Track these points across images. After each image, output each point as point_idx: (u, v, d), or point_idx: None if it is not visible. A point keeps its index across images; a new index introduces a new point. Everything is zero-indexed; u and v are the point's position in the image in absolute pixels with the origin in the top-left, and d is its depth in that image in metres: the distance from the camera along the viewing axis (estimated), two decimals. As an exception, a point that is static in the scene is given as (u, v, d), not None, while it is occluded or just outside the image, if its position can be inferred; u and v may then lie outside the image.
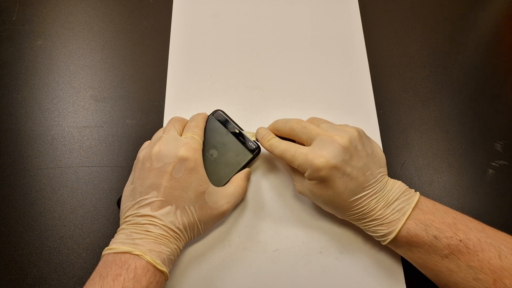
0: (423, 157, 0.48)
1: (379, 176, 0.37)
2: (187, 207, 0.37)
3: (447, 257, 0.34)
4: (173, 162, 0.37)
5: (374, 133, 0.48)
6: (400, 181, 0.38)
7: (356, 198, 0.36)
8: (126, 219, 0.37)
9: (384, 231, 0.36)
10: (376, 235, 0.37)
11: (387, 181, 0.38)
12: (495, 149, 0.48)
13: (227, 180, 0.42)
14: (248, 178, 0.44)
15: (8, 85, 0.50)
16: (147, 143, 0.42)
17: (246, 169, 0.44)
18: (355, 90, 0.51)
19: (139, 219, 0.36)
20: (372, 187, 0.36)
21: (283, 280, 0.40)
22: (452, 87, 0.52)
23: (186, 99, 0.50)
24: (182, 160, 0.37)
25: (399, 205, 0.36)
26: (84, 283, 0.33)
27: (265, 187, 0.45)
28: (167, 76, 0.51)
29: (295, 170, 0.41)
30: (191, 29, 0.55)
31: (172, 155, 0.37)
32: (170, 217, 0.36)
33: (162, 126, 0.48)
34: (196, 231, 0.38)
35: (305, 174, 0.37)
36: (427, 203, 0.37)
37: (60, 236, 0.43)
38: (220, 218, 0.40)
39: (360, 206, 0.36)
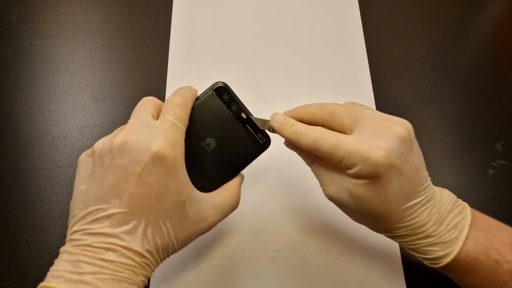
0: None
1: (428, 180, 0.30)
2: (161, 222, 0.27)
3: (506, 284, 0.29)
4: (144, 161, 0.27)
5: (374, 133, 0.48)
6: (446, 189, 0.31)
7: (410, 206, 0.29)
8: (73, 236, 0.27)
9: (439, 253, 0.29)
10: (427, 256, 0.30)
11: (433, 188, 0.31)
12: (495, 149, 0.48)
13: (225, 180, 0.34)
14: (240, 186, 0.34)
15: (8, 85, 0.50)
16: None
17: (241, 176, 0.35)
18: (355, 90, 0.51)
19: (92, 239, 0.26)
20: (425, 193, 0.29)
21: (283, 281, 0.40)
22: (452, 87, 0.52)
23: (186, 99, 0.50)
24: (157, 159, 0.27)
25: (453, 220, 0.30)
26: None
27: (265, 185, 0.45)
28: (167, 76, 0.51)
29: (326, 167, 0.32)
30: (191, 29, 0.55)
31: (142, 150, 0.27)
32: (137, 237, 0.26)
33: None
34: (170, 251, 0.29)
35: (351, 171, 0.28)
36: (479, 217, 0.31)
37: (60, 236, 0.43)
38: (202, 233, 0.31)
39: (412, 217, 0.29)
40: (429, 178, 0.30)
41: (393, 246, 0.42)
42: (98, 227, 0.26)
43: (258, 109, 0.49)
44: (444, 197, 0.30)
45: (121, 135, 0.27)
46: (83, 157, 0.30)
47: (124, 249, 0.26)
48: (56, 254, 0.41)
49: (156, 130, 0.28)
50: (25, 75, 0.51)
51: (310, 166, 0.33)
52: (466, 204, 0.31)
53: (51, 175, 0.45)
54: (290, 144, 0.33)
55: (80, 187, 0.28)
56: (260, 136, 0.34)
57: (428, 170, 0.46)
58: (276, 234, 0.42)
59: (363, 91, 0.51)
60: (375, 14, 0.57)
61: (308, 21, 0.56)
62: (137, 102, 0.49)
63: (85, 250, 0.26)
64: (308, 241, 0.42)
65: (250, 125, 0.34)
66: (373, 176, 0.28)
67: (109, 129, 0.48)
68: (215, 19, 0.55)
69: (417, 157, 0.30)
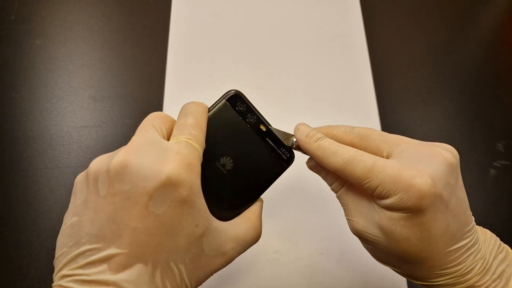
0: (424, 157, 0.47)
1: (473, 220, 0.26)
2: (172, 264, 0.22)
3: None
4: (151, 187, 0.21)
5: (375, 133, 0.48)
6: (488, 230, 0.27)
7: (455, 249, 0.24)
8: (62, 283, 0.21)
9: None
10: None
11: (476, 228, 0.26)
12: (497, 149, 0.48)
13: (246, 206, 0.28)
14: (261, 213, 0.29)
15: (7, 85, 0.50)
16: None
17: (261, 203, 0.29)
18: (356, 90, 0.51)
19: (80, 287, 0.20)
20: (471, 234, 0.25)
21: (284, 282, 0.40)
22: (454, 87, 0.52)
23: (185, 99, 0.49)
24: (170, 185, 0.22)
25: (498, 268, 0.25)
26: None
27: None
28: (166, 76, 0.51)
29: (356, 195, 0.27)
30: (190, 28, 0.54)
31: (149, 174, 0.21)
32: (143, 285, 0.21)
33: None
34: None
35: (387, 201, 0.24)
36: None
37: (59, 237, 0.42)
38: (219, 269, 0.26)
39: (456, 262, 0.24)
40: (473, 217, 0.26)
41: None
42: (92, 273, 0.20)
43: (259, 109, 0.49)
44: (488, 239, 0.26)
45: (120, 154, 0.22)
46: (80, 178, 0.24)
47: None
48: (53, 255, 0.41)
49: (168, 150, 0.23)
50: (23, 74, 0.51)
51: (336, 192, 0.28)
52: (508, 247, 0.27)
53: (49, 175, 0.45)
54: (316, 165, 0.29)
55: (71, 219, 0.22)
56: (283, 150, 0.29)
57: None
58: (277, 235, 0.42)
59: (365, 91, 0.51)
60: (376, 14, 0.56)
61: (309, 20, 0.55)
62: (136, 101, 0.50)
63: None
64: (308, 242, 0.42)
65: (271, 139, 0.29)
66: (415, 209, 0.23)
67: (107, 129, 0.48)
68: (214, 18, 0.55)
69: (463, 190, 0.25)
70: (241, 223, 0.26)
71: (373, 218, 0.25)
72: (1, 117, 0.48)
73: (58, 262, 0.22)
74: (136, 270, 0.21)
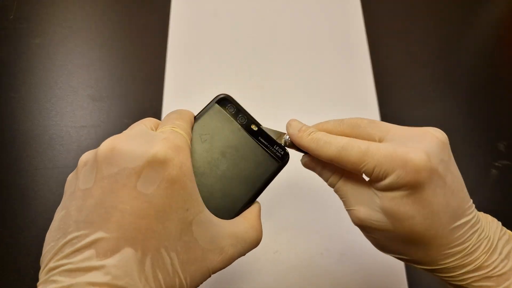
0: (425, 157, 0.47)
1: (471, 200, 0.26)
2: (163, 251, 0.21)
3: None
4: (139, 166, 0.21)
5: (375, 132, 0.48)
6: (486, 213, 0.28)
7: (458, 226, 0.24)
8: (48, 277, 0.20)
9: None
10: None
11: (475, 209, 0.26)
12: (498, 149, 0.48)
13: (244, 204, 0.28)
14: (260, 216, 0.28)
15: (6, 84, 0.50)
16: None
17: (258, 205, 0.28)
18: (357, 89, 0.51)
19: (70, 280, 0.19)
20: (472, 212, 0.25)
21: (284, 282, 0.40)
22: (455, 87, 0.52)
23: (184, 98, 0.49)
24: (158, 162, 0.21)
25: (504, 248, 0.25)
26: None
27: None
28: (165, 75, 0.51)
29: (354, 183, 0.27)
30: (189, 28, 0.54)
31: (137, 155, 0.21)
32: (132, 271, 0.19)
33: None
34: None
35: (385, 182, 0.24)
36: None
37: (58, 237, 0.42)
38: (217, 268, 0.24)
39: (461, 240, 0.24)
40: (470, 198, 0.26)
41: (395, 247, 0.42)
42: (78, 260, 0.19)
43: (258, 108, 0.49)
44: (490, 221, 0.26)
45: (108, 140, 0.22)
46: (70, 176, 0.23)
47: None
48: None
49: (154, 136, 0.23)
50: (22, 74, 0.51)
51: (334, 186, 0.28)
52: (510, 232, 0.27)
53: (48, 175, 0.45)
54: (311, 161, 0.29)
55: (60, 213, 0.21)
56: (277, 148, 0.29)
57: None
58: (277, 235, 0.42)
59: (366, 91, 0.50)
60: (377, 13, 0.56)
61: (309, 20, 0.55)
62: (136, 101, 0.49)
63: None
64: (309, 243, 0.42)
65: (263, 138, 0.29)
66: (414, 184, 0.23)
67: (107, 129, 0.48)
68: (214, 17, 0.55)
69: (457, 169, 0.26)
70: (239, 222, 0.26)
71: (375, 203, 0.25)
72: (0, 117, 0.48)
73: (44, 258, 0.21)
74: (125, 255, 0.19)
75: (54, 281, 0.19)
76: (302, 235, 0.42)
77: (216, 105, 0.29)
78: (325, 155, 0.25)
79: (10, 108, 0.49)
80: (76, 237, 0.20)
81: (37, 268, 0.41)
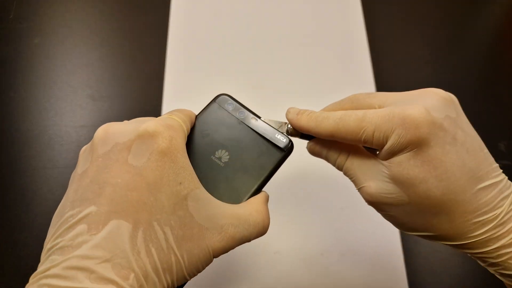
0: (425, 157, 0.47)
1: (496, 164, 0.23)
2: (155, 224, 0.20)
3: None
4: (130, 140, 0.21)
5: (375, 132, 0.48)
6: None
7: (483, 188, 0.22)
8: (46, 256, 0.19)
9: None
10: None
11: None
12: (498, 149, 0.47)
13: (250, 195, 0.27)
14: (267, 204, 0.27)
15: (5, 84, 0.50)
16: None
17: (265, 194, 0.28)
18: (357, 89, 0.50)
19: (60, 258, 0.18)
20: (499, 176, 0.22)
21: (284, 283, 0.40)
22: (455, 86, 0.51)
23: (184, 98, 0.49)
24: (147, 136, 0.21)
25: None
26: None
27: (266, 187, 0.44)
28: (165, 75, 0.51)
29: (361, 159, 0.25)
30: (189, 27, 0.54)
31: (128, 131, 0.22)
32: (123, 245, 0.19)
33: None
34: (175, 271, 0.20)
35: (387, 146, 0.22)
36: None
37: (57, 238, 0.42)
38: (219, 250, 0.22)
39: (489, 206, 0.22)
40: (497, 164, 0.23)
41: (395, 248, 0.41)
42: (70, 237, 0.19)
43: (258, 108, 0.49)
44: None
45: (102, 126, 0.22)
46: (73, 173, 0.24)
47: (102, 265, 0.18)
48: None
49: (148, 118, 0.23)
50: (22, 74, 0.51)
51: (342, 168, 0.27)
52: None
53: (48, 175, 0.45)
54: (315, 144, 0.28)
55: (61, 202, 0.22)
56: (279, 137, 0.28)
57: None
58: (277, 236, 0.42)
59: (366, 90, 0.50)
60: (377, 12, 0.56)
61: (309, 19, 0.55)
62: (135, 101, 0.49)
63: (49, 276, 0.18)
64: (309, 243, 0.42)
65: (264, 129, 0.29)
66: (417, 141, 0.21)
67: (107, 129, 0.48)
68: (214, 17, 0.55)
69: (471, 128, 0.24)
70: (242, 205, 0.24)
71: (383, 174, 0.23)
72: (-1, 116, 0.48)
73: (45, 243, 0.20)
74: (115, 226, 0.19)
75: (50, 261, 0.19)
76: (302, 235, 0.42)
77: (215, 103, 0.29)
78: (324, 130, 0.24)
79: (10, 108, 0.49)
80: (71, 215, 0.20)
81: (36, 269, 0.41)
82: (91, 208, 0.19)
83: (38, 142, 0.47)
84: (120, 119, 0.48)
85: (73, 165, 0.45)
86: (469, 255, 0.23)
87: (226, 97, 0.30)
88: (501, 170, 0.23)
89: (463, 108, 0.51)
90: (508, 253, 0.21)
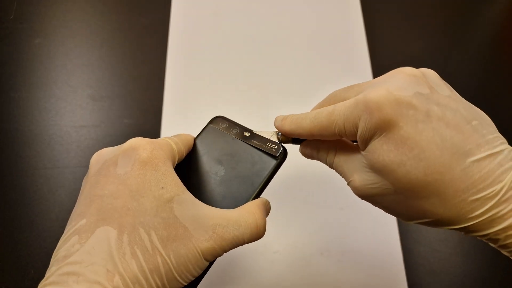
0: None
1: (496, 134, 0.22)
2: (140, 229, 0.20)
3: None
4: (115, 156, 0.23)
5: (375, 132, 0.48)
6: None
7: (475, 162, 0.20)
8: (49, 268, 0.21)
9: None
10: None
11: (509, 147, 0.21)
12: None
13: (247, 201, 0.28)
14: (265, 209, 0.27)
15: (6, 84, 0.50)
16: None
17: (262, 199, 0.28)
18: (356, 89, 0.51)
19: (54, 267, 0.20)
20: (496, 147, 0.20)
21: (284, 283, 0.40)
22: (454, 87, 0.51)
23: (184, 98, 0.49)
24: (129, 149, 0.23)
25: None
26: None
27: (267, 191, 0.45)
28: (165, 75, 0.51)
29: (346, 155, 0.26)
30: (190, 27, 0.54)
31: (115, 149, 0.24)
32: (106, 249, 0.20)
33: (160, 126, 0.48)
34: (164, 273, 0.20)
35: (359, 132, 0.22)
36: None
37: (58, 237, 0.41)
38: (209, 251, 0.22)
39: (488, 181, 0.20)
40: (500, 137, 0.22)
41: (395, 247, 0.41)
42: (65, 248, 0.20)
43: (258, 108, 0.49)
44: None
45: (96, 152, 0.25)
46: None
47: (89, 267, 0.19)
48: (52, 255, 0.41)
49: (136, 138, 0.24)
50: (22, 74, 0.51)
51: (332, 165, 0.27)
52: None
53: (48, 175, 0.45)
54: (305, 148, 0.29)
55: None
56: (271, 145, 0.30)
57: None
58: (277, 236, 0.42)
59: (364, 90, 0.50)
60: (376, 13, 0.56)
61: (309, 21, 0.55)
62: (135, 101, 0.49)
63: (49, 285, 0.19)
64: (309, 243, 0.42)
65: (256, 140, 0.30)
66: (383, 124, 0.21)
67: (106, 129, 0.48)
68: (214, 17, 0.55)
69: (455, 101, 0.22)
70: (233, 209, 0.25)
71: (363, 164, 0.23)
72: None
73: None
74: (102, 234, 0.20)
75: (50, 271, 0.20)
76: (302, 235, 0.42)
77: (210, 125, 0.31)
78: (304, 130, 0.25)
79: (10, 108, 0.49)
80: (68, 229, 0.21)
81: (37, 268, 0.41)
82: (83, 221, 0.21)
83: (38, 142, 0.47)
84: (120, 119, 0.48)
85: (73, 165, 0.45)
86: (478, 238, 0.21)
87: (220, 118, 0.32)
88: (502, 140, 0.21)
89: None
90: (509, 232, 0.19)
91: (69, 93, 0.50)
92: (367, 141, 0.22)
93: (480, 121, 0.22)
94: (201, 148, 0.30)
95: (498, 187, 0.19)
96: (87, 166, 0.45)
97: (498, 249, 0.21)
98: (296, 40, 0.53)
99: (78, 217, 0.21)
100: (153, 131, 0.47)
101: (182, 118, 0.48)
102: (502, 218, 0.19)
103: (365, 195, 0.24)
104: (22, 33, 0.53)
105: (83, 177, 0.45)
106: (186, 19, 0.55)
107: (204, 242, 0.22)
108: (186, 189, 0.23)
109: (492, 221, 0.20)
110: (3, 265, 0.41)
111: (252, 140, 0.30)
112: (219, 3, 0.56)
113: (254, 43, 0.53)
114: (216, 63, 0.52)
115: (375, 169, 0.22)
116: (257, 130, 0.31)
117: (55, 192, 0.44)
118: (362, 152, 0.23)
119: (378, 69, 0.52)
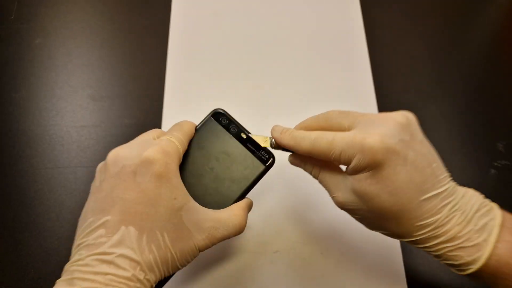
0: (424, 157, 0.47)
1: (446, 174, 0.28)
2: (156, 231, 0.26)
3: None
4: (134, 165, 0.27)
5: (375, 133, 0.48)
6: (471, 188, 0.28)
7: (426, 199, 0.26)
8: (75, 251, 0.26)
9: (466, 258, 0.26)
10: (454, 263, 0.27)
11: (455, 186, 0.28)
12: (497, 149, 0.48)
13: (234, 201, 0.33)
14: (248, 210, 0.33)
15: (6, 84, 0.50)
16: None
17: (247, 200, 0.33)
18: (356, 89, 0.51)
19: (86, 253, 0.25)
20: (443, 186, 0.27)
21: (284, 282, 0.40)
22: (454, 87, 0.52)
23: (185, 98, 0.50)
24: (148, 162, 0.27)
25: (480, 221, 0.26)
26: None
27: (265, 186, 0.45)
28: (166, 75, 0.51)
29: (331, 172, 0.31)
30: (190, 27, 0.54)
31: (133, 156, 0.27)
32: (132, 244, 0.25)
33: (160, 126, 0.48)
34: (170, 264, 0.27)
35: (351, 166, 0.27)
36: (509, 218, 0.27)
37: (58, 237, 0.42)
38: (203, 246, 0.29)
39: (431, 213, 0.26)
40: (447, 174, 0.28)
41: (395, 247, 0.42)
42: (91, 238, 0.26)
43: (258, 108, 0.49)
44: (469, 195, 0.27)
45: (114, 150, 0.29)
46: (92, 183, 0.30)
47: (118, 258, 0.25)
48: (54, 255, 0.41)
49: (150, 143, 0.29)
50: (23, 74, 0.51)
51: (317, 178, 0.32)
52: (495, 205, 0.28)
53: (49, 175, 0.45)
54: (294, 158, 0.33)
55: (84, 208, 0.29)
56: (262, 153, 0.33)
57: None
58: (277, 235, 0.42)
59: (365, 91, 0.50)
60: (376, 13, 0.56)
61: (309, 21, 0.55)
62: (136, 101, 0.50)
63: (79, 265, 0.25)
64: (309, 243, 0.42)
65: (251, 144, 0.34)
66: (373, 164, 0.26)
67: (107, 129, 0.48)
68: (214, 17, 0.55)
69: (425, 146, 0.28)
70: (224, 211, 0.31)
71: (348, 186, 0.29)
72: (0, 116, 0.48)
73: (74, 240, 0.27)
74: (126, 232, 0.26)
75: (75, 255, 0.26)
76: (302, 235, 0.42)
77: (212, 118, 0.34)
78: (302, 149, 0.29)
79: (10, 108, 0.49)
80: (92, 220, 0.26)
81: (37, 268, 0.41)
82: (107, 217, 0.26)
83: (39, 142, 0.47)
84: (120, 119, 0.49)
85: (74, 165, 0.45)
86: (417, 248, 0.28)
87: (221, 112, 0.34)
88: (449, 179, 0.27)
89: (462, 108, 0.52)
90: (446, 247, 0.26)
91: (70, 93, 0.50)
92: (356, 172, 0.27)
93: (437, 163, 0.27)
94: (201, 140, 0.33)
95: (437, 217, 0.26)
96: (87, 166, 0.45)
97: (433, 258, 0.28)
98: (296, 40, 0.54)
99: (102, 213, 0.26)
100: (154, 131, 0.48)
101: (182, 118, 0.48)
102: (436, 237, 0.26)
103: (344, 209, 0.30)
104: (23, 33, 0.54)
105: (84, 177, 0.45)
106: (186, 19, 0.55)
107: (201, 240, 0.28)
108: (191, 198, 0.29)
109: (429, 238, 0.27)
110: (4, 265, 0.41)
111: (248, 144, 0.33)
112: (219, 3, 0.56)
113: (254, 43, 0.53)
114: (216, 63, 0.52)
115: (357, 193, 0.28)
116: (253, 134, 0.34)
117: (55, 192, 0.44)
118: (349, 177, 0.28)
119: (378, 69, 0.52)
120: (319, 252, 0.41)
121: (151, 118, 0.48)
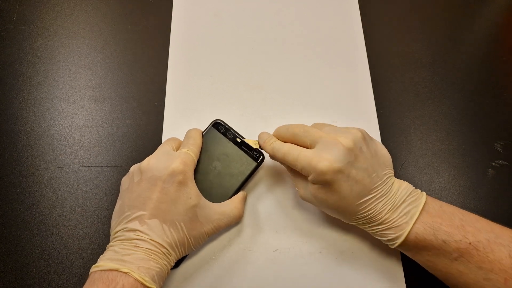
0: (423, 157, 0.48)
1: (385, 178, 0.36)
2: (176, 222, 0.36)
3: (456, 260, 0.33)
4: (164, 175, 0.36)
5: (374, 133, 0.48)
6: (406, 182, 0.37)
7: (363, 202, 0.35)
8: (115, 235, 0.36)
9: (392, 235, 0.35)
10: (384, 239, 0.37)
11: (393, 182, 0.37)
12: (495, 149, 0.48)
13: (233, 192, 0.42)
14: (245, 201, 0.43)
15: (8, 85, 0.50)
16: None
17: (243, 193, 0.43)
18: (355, 90, 0.51)
19: (128, 234, 0.35)
20: (378, 190, 0.35)
21: (283, 280, 0.40)
22: (452, 87, 0.52)
23: (186, 99, 0.50)
24: (173, 173, 0.37)
25: (406, 208, 0.35)
26: (84, 283, 0.33)
27: (265, 186, 0.45)
28: (167, 76, 0.51)
29: (297, 174, 0.39)
30: (191, 29, 0.55)
31: (162, 167, 0.37)
32: (159, 231, 0.35)
33: (162, 126, 0.48)
34: (187, 246, 0.37)
35: (309, 178, 0.36)
36: (434, 205, 0.36)
37: (60, 236, 0.43)
38: (211, 233, 0.39)
39: (366, 209, 0.35)
40: (386, 176, 0.36)
41: (393, 246, 0.42)
42: (131, 225, 0.35)
43: (258, 108, 0.50)
44: (401, 189, 0.36)
45: (147, 159, 0.38)
46: (123, 178, 0.40)
47: (150, 240, 0.35)
48: (56, 254, 0.41)
49: (174, 155, 0.39)
50: (25, 75, 0.51)
51: (289, 173, 0.41)
52: (423, 194, 0.36)
53: (51, 175, 0.45)
54: (274, 158, 0.41)
55: (119, 202, 0.38)
56: (254, 153, 0.43)
57: (428, 170, 0.47)
58: (276, 234, 0.42)
59: (364, 91, 0.51)
60: (375, 14, 0.57)
61: (308, 21, 0.55)
62: (138, 102, 0.50)
63: (123, 242, 0.35)
64: (308, 241, 0.42)
65: (245, 146, 0.43)
66: (323, 182, 0.35)
67: (109, 129, 0.48)
68: (215, 19, 0.55)
69: (368, 161, 0.36)
70: (227, 204, 0.41)
71: (308, 188, 0.38)
72: (2, 117, 0.49)
73: (112, 228, 0.37)
74: (153, 222, 0.35)
75: (118, 236, 0.35)
76: (301, 234, 0.43)
77: (212, 127, 0.44)
78: (277, 158, 0.39)
79: (13, 109, 0.49)
80: (129, 214, 0.36)
81: (40, 267, 0.41)
82: (141, 212, 0.36)
83: (41, 142, 0.47)
84: (122, 120, 0.49)
85: (76, 165, 0.46)
86: (360, 227, 0.38)
87: (220, 122, 0.44)
88: (388, 181, 0.36)
89: (460, 108, 0.52)
90: (378, 228, 0.36)
91: (72, 94, 0.50)
92: (313, 183, 0.36)
93: (377, 172, 0.36)
94: (206, 145, 0.43)
95: (370, 212, 0.36)
96: (89, 166, 0.46)
97: (372, 234, 0.38)
98: (296, 41, 0.54)
99: (136, 209, 0.36)
100: (155, 132, 0.48)
101: (184, 119, 0.48)
102: (369, 222, 0.36)
103: (304, 200, 0.40)
104: (25, 34, 0.54)
105: (86, 176, 0.46)
106: (188, 21, 0.55)
107: (209, 229, 0.39)
108: (203, 196, 0.39)
109: (365, 224, 0.37)
110: (6, 264, 0.41)
111: (242, 146, 0.43)
112: (220, 4, 0.56)
113: (255, 43, 0.54)
114: (217, 63, 0.52)
115: (313, 195, 0.37)
116: (246, 138, 0.43)
117: (57, 191, 0.45)
118: (309, 183, 0.37)
119: (377, 69, 0.52)
120: (318, 251, 0.42)
121: (152, 119, 0.49)
